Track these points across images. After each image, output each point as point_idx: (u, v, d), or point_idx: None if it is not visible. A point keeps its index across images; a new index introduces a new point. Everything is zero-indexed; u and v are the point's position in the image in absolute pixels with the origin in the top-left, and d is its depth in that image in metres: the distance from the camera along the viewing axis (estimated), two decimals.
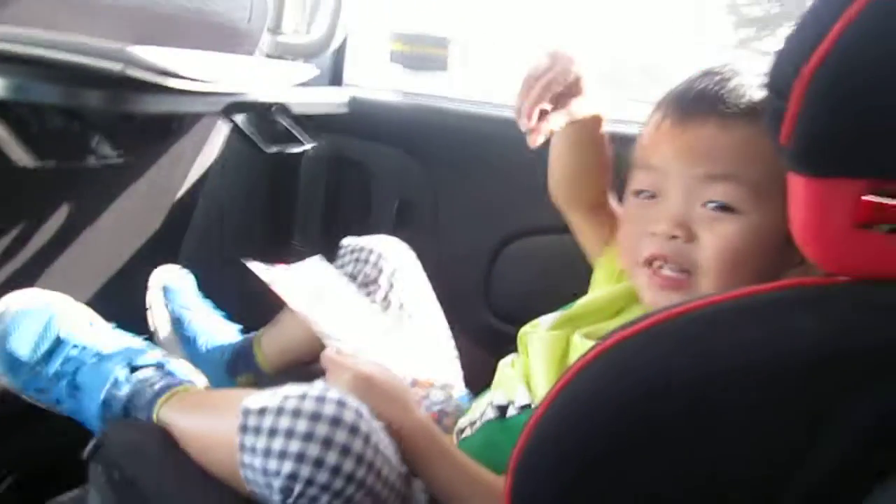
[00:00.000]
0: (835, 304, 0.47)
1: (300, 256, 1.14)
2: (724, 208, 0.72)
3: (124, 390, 0.92)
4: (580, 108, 0.83)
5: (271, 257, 1.01)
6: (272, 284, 0.95)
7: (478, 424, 0.88)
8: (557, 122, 0.82)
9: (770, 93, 0.48)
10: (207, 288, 1.59)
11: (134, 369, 0.95)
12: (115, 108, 0.85)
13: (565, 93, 0.81)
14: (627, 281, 0.90)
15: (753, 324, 0.47)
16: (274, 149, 1.10)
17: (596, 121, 0.88)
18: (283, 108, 1.10)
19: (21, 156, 0.79)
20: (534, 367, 0.88)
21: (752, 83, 0.74)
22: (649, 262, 0.76)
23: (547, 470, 0.50)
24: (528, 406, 0.84)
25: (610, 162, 0.94)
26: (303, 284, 0.99)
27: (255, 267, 0.95)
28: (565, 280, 1.04)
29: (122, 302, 1.22)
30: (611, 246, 0.93)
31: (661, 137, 0.77)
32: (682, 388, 0.47)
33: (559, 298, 0.99)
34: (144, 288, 1.21)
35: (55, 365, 0.95)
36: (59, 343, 0.96)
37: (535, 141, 0.82)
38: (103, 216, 1.14)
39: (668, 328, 0.48)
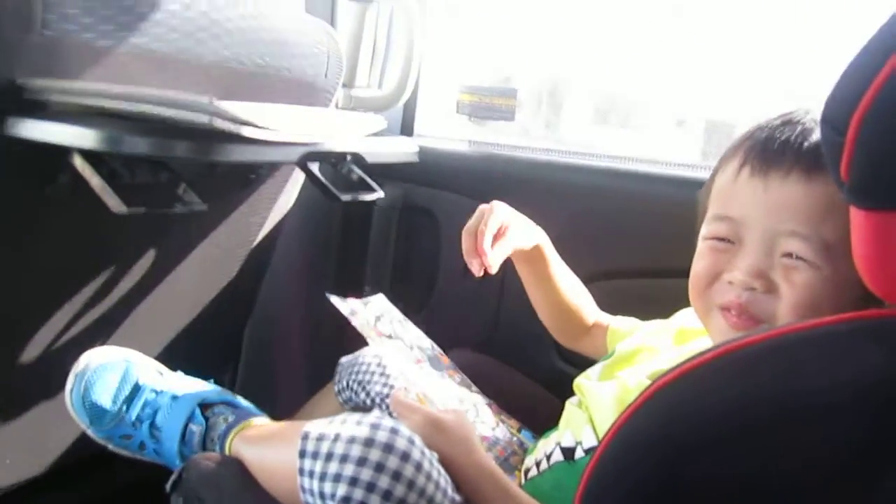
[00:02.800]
0: None
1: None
2: (804, 260, 0.70)
3: (200, 425, 0.97)
4: (513, 242, 0.96)
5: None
6: (351, 317, 0.98)
7: (544, 465, 0.88)
8: (497, 258, 0.93)
9: (827, 127, 0.47)
10: (283, 335, 1.63)
11: (206, 407, 1.00)
12: (201, 157, 0.90)
13: (498, 235, 0.95)
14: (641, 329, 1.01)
15: (813, 354, 0.46)
16: (347, 197, 1.12)
17: (540, 257, 1.03)
18: (356, 158, 1.13)
19: (115, 203, 0.84)
20: (595, 411, 0.88)
21: None
22: (725, 308, 0.74)
23: None
24: (595, 448, 0.84)
25: (581, 294, 1.10)
26: (376, 323, 1.03)
27: (335, 300, 0.99)
28: None
29: (199, 344, 1.27)
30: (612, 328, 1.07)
31: (741, 188, 0.74)
32: (739, 424, 0.46)
33: None
34: (220, 331, 1.25)
35: (136, 410, 1.00)
36: (137, 390, 1.01)
37: (479, 273, 0.93)
38: (185, 263, 1.19)
39: (725, 363, 0.47)
